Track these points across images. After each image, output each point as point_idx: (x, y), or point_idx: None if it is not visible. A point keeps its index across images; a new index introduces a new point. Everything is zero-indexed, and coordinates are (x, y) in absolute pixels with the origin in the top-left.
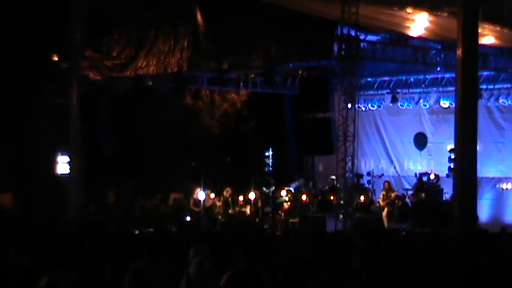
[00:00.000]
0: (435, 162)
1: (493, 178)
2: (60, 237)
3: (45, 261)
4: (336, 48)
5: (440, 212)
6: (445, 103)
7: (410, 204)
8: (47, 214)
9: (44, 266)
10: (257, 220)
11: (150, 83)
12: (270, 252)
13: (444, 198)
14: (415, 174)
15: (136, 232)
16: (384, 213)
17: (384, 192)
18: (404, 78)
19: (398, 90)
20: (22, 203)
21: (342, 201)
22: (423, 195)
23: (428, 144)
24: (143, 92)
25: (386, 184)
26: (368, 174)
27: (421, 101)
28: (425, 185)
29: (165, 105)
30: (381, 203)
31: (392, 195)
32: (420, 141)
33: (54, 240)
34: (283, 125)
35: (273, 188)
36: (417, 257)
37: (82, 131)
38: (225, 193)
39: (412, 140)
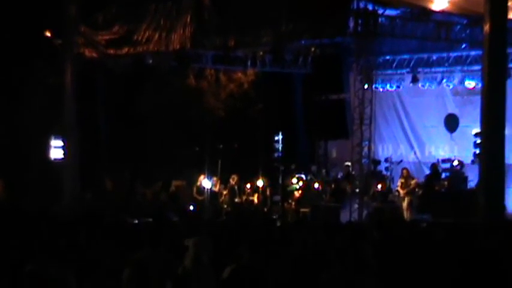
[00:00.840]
0: (459, 147)
1: None
2: (54, 228)
3: (36, 255)
4: (351, 23)
5: (464, 201)
6: (470, 83)
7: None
8: (39, 203)
9: (35, 259)
10: (265, 210)
11: (150, 61)
12: (278, 245)
13: (469, 187)
14: (437, 160)
15: (136, 222)
16: (405, 203)
17: (402, 180)
18: (425, 56)
19: (420, 70)
20: (12, 191)
21: (357, 190)
22: (446, 183)
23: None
24: (143, 71)
25: (404, 171)
26: (386, 160)
27: (444, 81)
28: (448, 172)
29: (166, 85)
30: (401, 192)
31: (412, 183)
32: (451, 123)
33: (46, 231)
34: (293, 108)
35: (283, 175)
36: (437, 251)
37: (77, 113)
38: (231, 180)
39: (436, 124)
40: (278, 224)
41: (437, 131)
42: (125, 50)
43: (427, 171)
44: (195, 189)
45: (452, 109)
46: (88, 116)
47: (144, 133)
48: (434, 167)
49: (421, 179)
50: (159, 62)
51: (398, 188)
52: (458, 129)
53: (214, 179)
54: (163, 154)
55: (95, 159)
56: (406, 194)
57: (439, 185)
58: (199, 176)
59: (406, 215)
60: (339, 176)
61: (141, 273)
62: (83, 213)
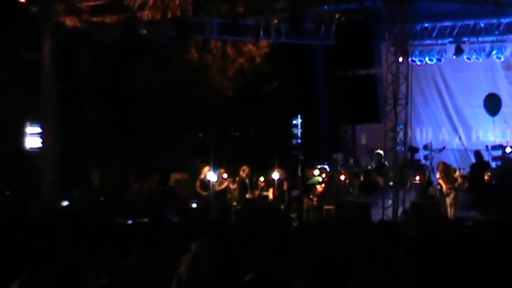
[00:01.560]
0: None
1: None
2: (31, 228)
3: (11, 260)
4: None
5: None
6: None
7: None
8: (13, 200)
9: (10, 265)
10: (282, 207)
11: (144, 32)
12: (299, 248)
13: None
14: (486, 146)
15: (129, 222)
16: (449, 199)
17: (442, 174)
18: (472, 23)
19: (464, 39)
20: None
21: (390, 183)
22: (496, 174)
23: (503, 109)
24: (135, 43)
25: (441, 165)
26: (425, 147)
27: (494, 52)
28: (499, 161)
29: (164, 60)
30: (444, 187)
31: (456, 175)
32: (492, 104)
33: (23, 232)
34: (314, 86)
35: (303, 165)
36: (486, 254)
37: (57, 93)
38: (241, 173)
39: (482, 103)
40: (297, 223)
41: (485, 112)
42: (114, 17)
43: (474, 160)
44: (198, 183)
45: (503, 85)
46: (70, 97)
47: (137, 117)
48: (478, 154)
49: (467, 169)
50: (154, 33)
51: (441, 182)
52: (511, 110)
53: (221, 171)
54: (160, 142)
55: (79, 148)
56: (451, 189)
57: (488, 176)
58: (203, 167)
59: (449, 212)
60: (370, 167)
61: (120, 286)
62: (65, 212)
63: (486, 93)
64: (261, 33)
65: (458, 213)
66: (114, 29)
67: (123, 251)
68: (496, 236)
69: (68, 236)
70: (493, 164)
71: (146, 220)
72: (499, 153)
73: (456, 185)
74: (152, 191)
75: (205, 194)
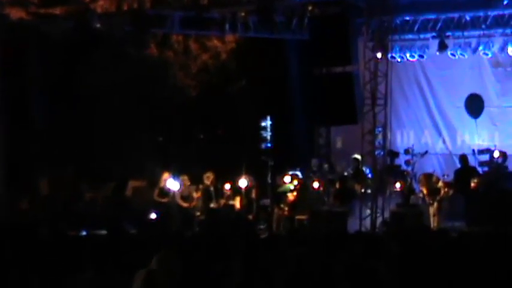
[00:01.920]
0: (501, 134)
1: None
2: None
3: None
4: None
5: (507, 204)
6: None
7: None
8: None
9: None
10: (250, 217)
11: (99, 25)
12: (269, 263)
13: None
14: (473, 151)
15: (83, 234)
16: (433, 209)
17: (423, 189)
18: (456, 16)
19: (449, 34)
20: None
21: (369, 190)
22: (483, 180)
23: (491, 109)
24: (88, 38)
25: (422, 179)
26: (406, 151)
27: (481, 48)
28: (486, 166)
29: (120, 56)
30: (427, 198)
31: (439, 185)
32: (474, 105)
33: None
34: (286, 84)
35: (273, 172)
36: (472, 267)
37: (1, 92)
38: (205, 180)
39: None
40: (266, 235)
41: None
42: (65, 9)
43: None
44: (157, 191)
45: (491, 84)
46: (17, 96)
47: (91, 119)
48: (463, 159)
49: (452, 175)
50: (110, 26)
51: (424, 195)
52: (500, 110)
53: (183, 177)
54: (117, 146)
55: (27, 152)
56: (434, 199)
57: (475, 183)
58: (163, 173)
59: (433, 222)
60: (346, 173)
61: None
62: (11, 224)
63: (475, 92)
64: (227, 27)
65: (442, 224)
66: (65, 22)
67: (75, 267)
68: (483, 248)
69: (14, 250)
70: (480, 170)
71: (101, 232)
72: (486, 158)
73: (438, 198)
74: (107, 200)
75: (165, 202)
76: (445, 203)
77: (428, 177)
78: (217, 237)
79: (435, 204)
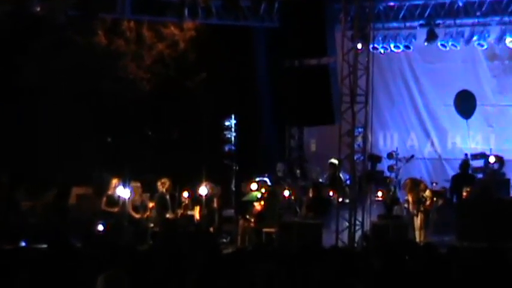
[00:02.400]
0: (498, 136)
1: None
2: None
3: None
4: None
5: (504, 215)
6: None
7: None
8: None
9: None
10: (211, 229)
11: (38, 10)
12: (232, 281)
13: None
14: (466, 155)
15: (21, 245)
16: (418, 221)
17: (410, 196)
18: (448, 1)
19: (439, 22)
20: None
21: (347, 200)
22: (477, 189)
23: (487, 108)
24: (28, 24)
25: (408, 183)
26: (390, 156)
27: (475, 38)
28: (481, 172)
29: (64, 45)
30: (411, 207)
31: (426, 194)
32: (465, 103)
33: None
34: (253, 79)
35: (238, 178)
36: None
37: None
38: (160, 187)
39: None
40: (230, 250)
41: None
42: None
43: (451, 171)
44: (106, 199)
45: (486, 80)
46: None
47: (29, 116)
48: (465, 164)
49: (441, 183)
50: (51, 11)
51: (408, 199)
52: (496, 109)
53: (135, 184)
54: (58, 148)
55: None
56: (419, 210)
57: (467, 192)
58: (112, 179)
59: (418, 236)
60: (321, 180)
61: None
62: None
63: (468, 88)
64: (186, 12)
65: (429, 238)
66: (0, 7)
67: (8, 284)
68: (475, 266)
69: None
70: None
71: (41, 246)
72: (481, 163)
73: (422, 208)
74: (48, 210)
75: (114, 213)
76: (433, 215)
77: (415, 183)
78: (174, 253)
79: (421, 215)
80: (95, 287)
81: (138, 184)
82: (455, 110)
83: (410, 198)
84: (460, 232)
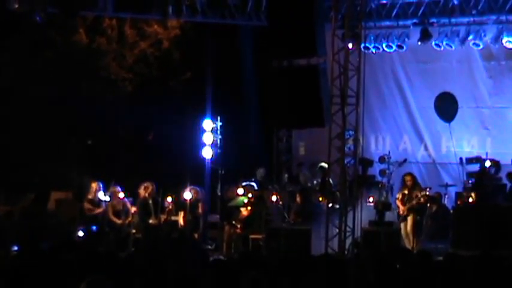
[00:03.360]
0: (494, 139)
1: None
2: None
3: None
4: None
5: (501, 222)
6: (511, 41)
7: (451, 210)
8: None
9: None
10: (196, 236)
11: (16, 6)
12: None
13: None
14: (460, 159)
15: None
16: (408, 224)
17: (404, 191)
18: None
19: (433, 20)
20: None
21: (337, 206)
22: (472, 194)
23: (482, 110)
24: (5, 22)
25: (407, 178)
26: (381, 160)
27: (471, 37)
28: (476, 178)
29: (42, 44)
30: (401, 208)
31: (420, 195)
32: (446, 106)
33: None
34: (239, 79)
35: (223, 182)
36: None
37: None
38: (142, 191)
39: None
40: (215, 257)
41: (459, 115)
42: None
43: (445, 176)
44: (86, 204)
45: (482, 81)
46: None
47: (6, 117)
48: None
49: (435, 188)
50: (29, 8)
51: (398, 202)
52: (492, 112)
53: (116, 189)
54: (36, 150)
55: None
56: (409, 211)
57: (473, 198)
58: (92, 183)
59: (408, 242)
60: (310, 184)
61: None
62: None
63: (460, 91)
64: (170, 9)
65: (423, 244)
66: None
67: None
68: (472, 275)
69: None
70: (469, 182)
71: (15, 251)
72: (476, 167)
73: (414, 202)
74: (26, 215)
75: (95, 217)
76: (428, 221)
77: (415, 181)
78: (157, 260)
79: (409, 219)
80: None
81: (117, 189)
82: (435, 112)
83: (400, 196)
84: (455, 239)
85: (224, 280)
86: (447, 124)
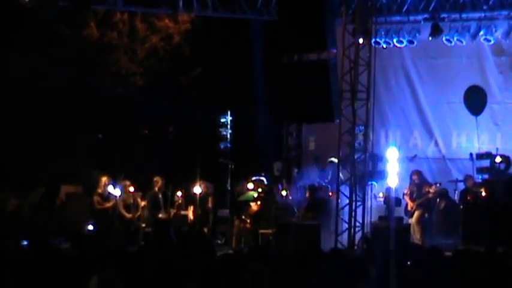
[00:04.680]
0: (504, 135)
1: None
2: None
3: None
4: None
5: (510, 218)
6: None
7: (460, 206)
8: None
9: None
10: (206, 230)
11: (27, 0)
12: (227, 284)
13: None
14: (471, 155)
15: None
16: (414, 219)
17: (413, 188)
18: None
19: (444, 15)
20: None
21: (347, 201)
22: (482, 191)
23: (493, 106)
24: (14, 15)
25: (415, 176)
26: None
27: (482, 33)
28: (487, 173)
29: (53, 38)
30: (410, 204)
31: (430, 190)
32: (475, 100)
33: None
34: (250, 74)
35: (233, 177)
36: None
37: None
38: (153, 185)
39: (462, 99)
40: (224, 252)
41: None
42: None
43: (455, 172)
44: (96, 198)
45: (493, 76)
46: None
47: (16, 112)
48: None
49: (445, 184)
50: (40, 3)
51: (407, 198)
52: (502, 107)
53: (126, 183)
54: (46, 144)
55: None
56: (418, 206)
57: (472, 193)
58: (102, 178)
59: (416, 236)
60: (319, 179)
61: None
62: None
63: (467, 86)
64: (180, 4)
65: (430, 240)
66: None
67: None
68: (482, 271)
69: None
70: (479, 178)
71: (25, 244)
72: (486, 163)
73: (424, 198)
74: (35, 209)
75: (105, 212)
76: (437, 216)
77: (422, 178)
78: (166, 254)
79: (416, 213)
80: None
81: (128, 183)
82: (464, 106)
83: (407, 192)
84: (465, 235)
85: (234, 275)
86: (471, 118)
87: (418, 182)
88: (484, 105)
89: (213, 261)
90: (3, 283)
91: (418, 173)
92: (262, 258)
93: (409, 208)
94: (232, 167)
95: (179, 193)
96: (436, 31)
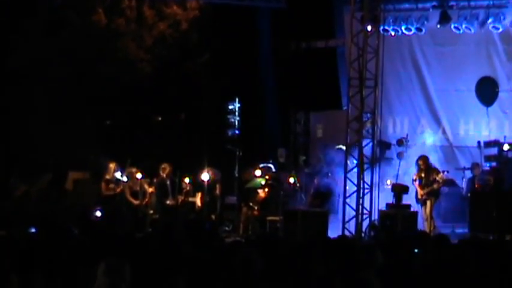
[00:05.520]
0: None
1: None
2: None
3: None
4: None
5: None
6: None
7: (468, 193)
8: None
9: None
10: (213, 217)
11: None
12: (234, 271)
13: None
14: (478, 143)
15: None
16: (427, 209)
17: (421, 174)
18: None
19: (452, 3)
20: None
21: (354, 188)
22: (491, 179)
23: (501, 94)
24: (21, 2)
25: (421, 162)
26: (399, 142)
27: (490, 20)
28: (494, 161)
29: (60, 24)
30: (419, 192)
31: (438, 177)
32: (487, 90)
33: None
34: (258, 61)
35: (241, 164)
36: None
37: None
38: (160, 172)
39: (474, 88)
40: (232, 239)
41: (477, 99)
42: None
43: (462, 160)
44: (104, 184)
45: (501, 64)
46: None
47: (24, 98)
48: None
49: (452, 172)
50: None
51: (416, 185)
52: (510, 96)
53: (133, 169)
54: (54, 131)
55: None
56: (428, 194)
57: (480, 180)
58: (110, 164)
59: (427, 226)
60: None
61: None
62: None
63: (479, 74)
64: None
65: (439, 228)
66: None
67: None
68: (489, 259)
69: None
70: (486, 166)
71: (33, 231)
72: (494, 151)
73: (435, 186)
74: (43, 195)
75: (112, 198)
76: (445, 203)
77: (428, 163)
78: (174, 240)
79: (428, 203)
80: (93, 274)
81: (134, 169)
82: (476, 97)
83: (416, 177)
84: (473, 223)
85: (240, 262)
86: (484, 108)
87: (424, 167)
88: (496, 96)
89: (222, 248)
90: (11, 269)
91: (424, 158)
92: (271, 245)
93: (419, 196)
94: (240, 154)
95: (187, 180)
96: (444, 19)
